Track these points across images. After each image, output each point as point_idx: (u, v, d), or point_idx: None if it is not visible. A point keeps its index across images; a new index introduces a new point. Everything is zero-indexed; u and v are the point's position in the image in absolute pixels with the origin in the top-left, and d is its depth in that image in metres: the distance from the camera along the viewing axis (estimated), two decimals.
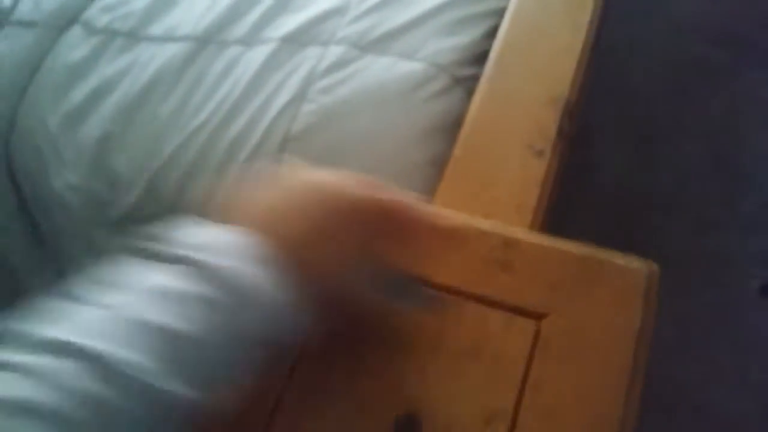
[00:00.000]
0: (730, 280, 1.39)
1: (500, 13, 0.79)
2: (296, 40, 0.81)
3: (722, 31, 1.70)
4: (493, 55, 0.74)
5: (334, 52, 0.78)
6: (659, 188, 1.50)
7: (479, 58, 0.77)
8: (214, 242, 0.36)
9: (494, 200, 0.61)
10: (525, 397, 0.38)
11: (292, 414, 0.40)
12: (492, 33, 0.78)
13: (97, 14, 0.91)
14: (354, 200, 0.37)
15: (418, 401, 0.39)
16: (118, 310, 0.31)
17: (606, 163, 1.53)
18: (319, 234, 0.37)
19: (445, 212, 0.54)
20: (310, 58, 0.79)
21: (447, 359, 0.40)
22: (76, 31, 0.90)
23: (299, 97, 0.76)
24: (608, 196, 1.50)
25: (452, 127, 0.72)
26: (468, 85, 0.77)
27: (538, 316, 0.41)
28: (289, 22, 0.83)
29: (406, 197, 0.40)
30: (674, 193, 1.49)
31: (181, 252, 0.35)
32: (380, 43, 0.78)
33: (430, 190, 0.66)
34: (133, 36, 0.88)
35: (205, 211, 0.76)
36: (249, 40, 0.83)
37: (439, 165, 0.69)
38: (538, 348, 0.39)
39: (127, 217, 0.82)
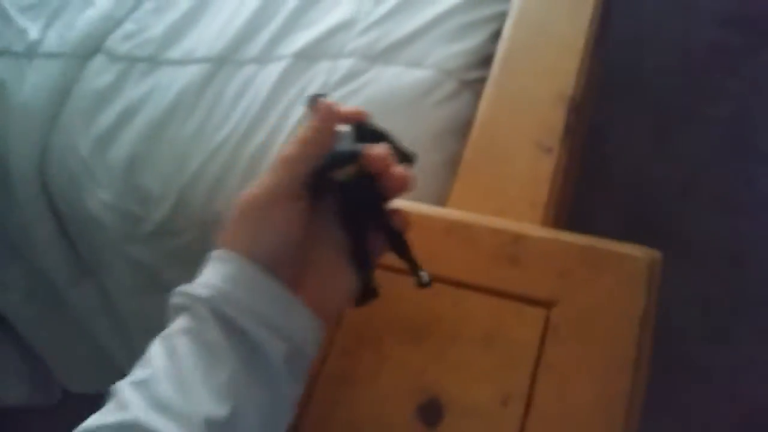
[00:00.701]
0: (754, 262, 1.39)
1: (503, 16, 0.81)
2: (308, 55, 0.84)
3: (735, 14, 1.70)
4: (498, 57, 0.76)
5: (345, 64, 0.82)
6: (678, 175, 1.51)
7: (485, 61, 0.80)
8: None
9: (507, 198, 0.63)
10: (538, 379, 0.40)
11: (322, 405, 0.43)
12: (496, 36, 0.80)
13: (118, 42, 0.95)
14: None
15: (439, 388, 0.42)
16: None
17: (623, 154, 1.54)
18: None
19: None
20: (321, 71, 0.82)
21: (464, 348, 0.43)
22: (99, 59, 0.95)
23: None
24: (628, 186, 1.51)
25: (463, 128, 0.75)
26: (476, 87, 0.79)
27: (548, 305, 0.44)
28: (300, 39, 0.86)
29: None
30: (693, 178, 1.50)
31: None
32: (388, 53, 0.81)
33: (445, 191, 0.69)
34: (154, 61, 0.92)
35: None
36: (263, 59, 0.87)
37: (452, 166, 0.71)
38: (548, 334, 0.42)
39: (158, 231, 0.86)
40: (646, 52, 1.68)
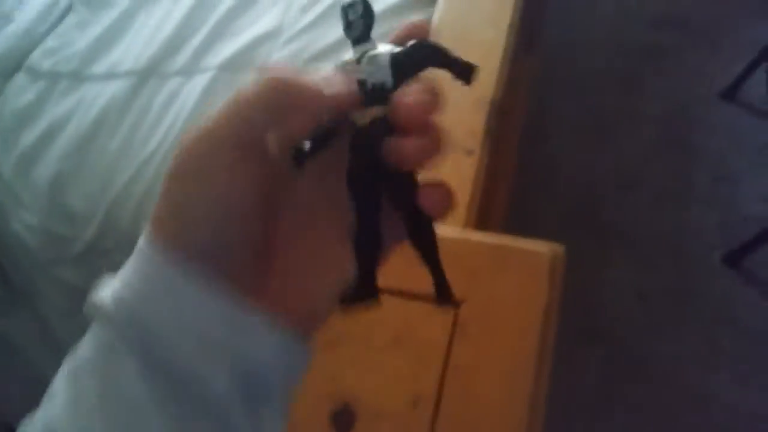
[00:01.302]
0: (692, 252, 1.43)
1: (428, 22, 0.82)
2: (233, 67, 0.84)
3: (664, 13, 1.76)
4: None
5: None
6: (617, 171, 1.55)
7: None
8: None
9: None
10: (446, 380, 0.41)
11: None
12: None
13: (40, 58, 0.93)
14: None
15: (352, 393, 0.42)
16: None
17: (565, 154, 1.58)
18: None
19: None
20: (247, 83, 0.82)
21: (376, 351, 0.43)
22: (20, 77, 0.93)
23: None
24: (570, 185, 1.54)
25: None
26: None
27: (456, 304, 0.44)
28: (225, 50, 0.86)
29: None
30: (630, 174, 1.54)
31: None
32: (313, 63, 0.82)
33: None
34: (77, 76, 0.90)
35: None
36: (188, 71, 0.86)
37: None
38: (456, 333, 0.43)
39: (87, 252, 0.84)
40: (582, 54, 1.73)
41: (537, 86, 1.39)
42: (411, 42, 0.26)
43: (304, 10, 0.87)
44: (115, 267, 0.75)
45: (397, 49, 0.26)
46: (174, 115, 0.83)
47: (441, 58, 0.27)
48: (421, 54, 0.27)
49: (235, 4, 0.90)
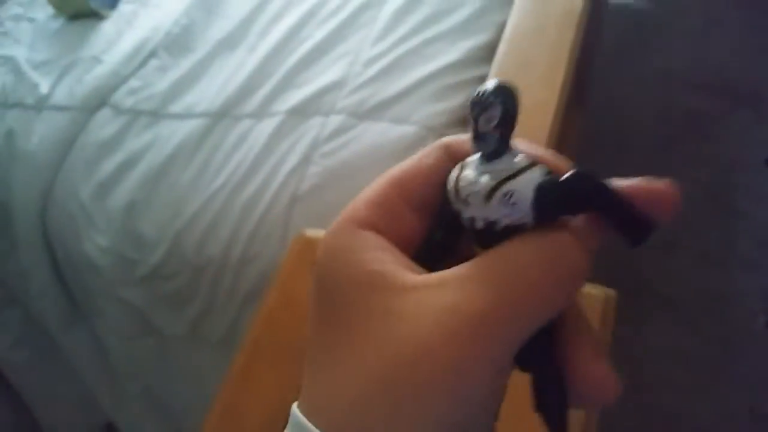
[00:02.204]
0: (735, 317, 1.42)
1: (483, 79, 0.87)
2: (301, 112, 0.91)
3: (709, 78, 1.79)
4: None
5: (335, 120, 0.88)
6: (659, 234, 1.55)
7: (466, 120, 0.86)
8: None
9: None
10: None
11: None
12: None
13: (123, 97, 1.02)
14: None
15: None
16: None
17: None
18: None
19: None
20: (313, 127, 0.88)
21: None
22: (105, 112, 1.01)
23: (305, 161, 0.85)
24: (609, 244, 1.56)
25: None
26: None
27: None
28: (294, 97, 0.93)
29: None
30: (674, 235, 1.55)
31: None
32: (375, 111, 0.87)
33: None
34: (156, 114, 0.98)
35: (221, 267, 0.84)
36: (259, 114, 0.93)
37: None
38: None
39: (151, 275, 0.90)
40: (627, 113, 1.76)
41: (582, 142, 1.42)
42: (569, 173, 0.20)
43: (368, 64, 0.94)
44: (175, 291, 0.80)
45: (546, 179, 0.19)
46: (243, 154, 0.89)
47: (611, 203, 0.20)
48: (583, 193, 0.19)
49: (305, 56, 0.98)
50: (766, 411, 1.30)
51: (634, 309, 1.42)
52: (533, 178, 0.19)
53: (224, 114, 0.95)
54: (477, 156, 0.20)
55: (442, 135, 0.85)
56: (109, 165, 0.96)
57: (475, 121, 0.20)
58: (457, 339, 0.18)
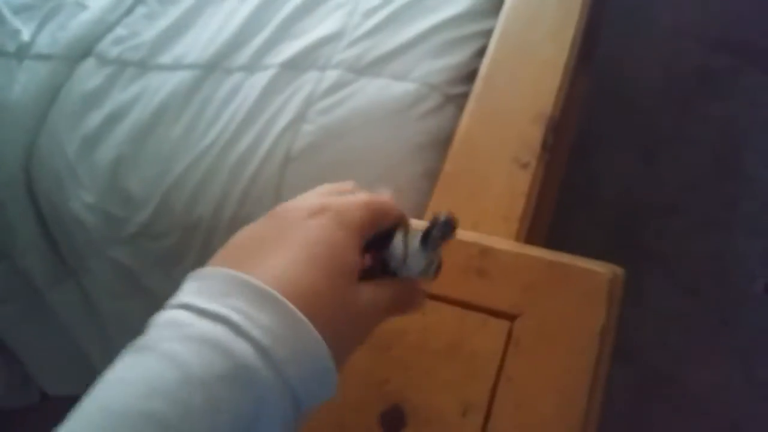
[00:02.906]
0: (735, 280, 1.41)
1: (488, 33, 0.83)
2: (295, 65, 0.86)
3: (719, 37, 1.73)
4: (481, 73, 0.78)
5: (331, 75, 0.83)
6: (662, 194, 1.53)
7: (470, 76, 0.82)
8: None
9: (482, 211, 0.65)
10: (498, 390, 0.41)
11: None
12: (481, 52, 0.82)
13: (109, 46, 0.96)
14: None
15: (402, 396, 0.43)
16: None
17: (609, 171, 1.56)
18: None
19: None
20: (308, 81, 0.83)
21: (428, 358, 0.44)
22: (90, 62, 0.96)
23: (299, 118, 0.81)
24: (612, 203, 1.53)
25: (445, 142, 0.77)
26: (459, 102, 0.81)
27: (511, 317, 0.44)
28: (289, 49, 0.88)
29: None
30: (677, 197, 1.52)
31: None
32: (374, 66, 0.83)
33: (424, 203, 0.70)
34: (143, 65, 0.93)
35: (211, 227, 0.81)
36: (251, 67, 0.88)
37: (432, 178, 0.72)
38: (510, 346, 0.43)
39: (140, 234, 0.87)
40: (634, 73, 1.71)
41: (588, 101, 1.38)
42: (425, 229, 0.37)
43: (367, 15, 0.88)
44: (164, 250, 0.77)
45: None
46: (234, 109, 0.85)
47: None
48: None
49: (299, 5, 0.92)
50: (763, 376, 1.30)
51: (633, 270, 1.41)
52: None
53: (215, 66, 0.90)
54: (419, 237, 0.37)
55: (444, 93, 0.81)
56: (94, 118, 0.91)
57: (430, 230, 0.37)
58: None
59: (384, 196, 0.37)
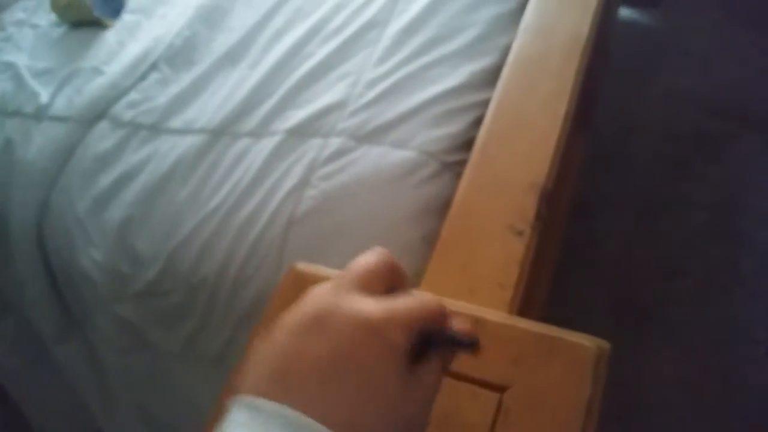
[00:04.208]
0: (736, 345, 1.41)
1: (486, 104, 0.86)
2: (301, 132, 0.90)
3: (716, 102, 1.78)
4: (478, 143, 0.81)
5: (335, 142, 0.87)
6: (662, 257, 1.54)
7: (467, 144, 0.85)
8: None
9: (478, 278, 0.66)
10: None
11: None
12: (478, 122, 0.85)
13: (123, 110, 1.01)
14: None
15: None
16: None
17: (608, 235, 1.58)
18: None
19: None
20: (312, 148, 0.87)
21: None
22: (104, 125, 1.00)
23: (303, 183, 0.84)
24: (612, 266, 1.54)
25: (442, 208, 0.79)
26: (456, 169, 0.84)
27: (500, 389, 0.46)
28: (295, 117, 0.92)
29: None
30: (677, 260, 1.53)
31: None
32: (376, 134, 0.86)
33: (422, 267, 0.72)
34: (155, 129, 0.97)
35: (216, 287, 0.83)
36: (258, 132, 0.92)
37: (431, 243, 0.75)
38: (499, 417, 0.44)
39: (146, 292, 0.89)
40: (632, 137, 1.75)
41: (587, 163, 1.41)
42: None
43: (370, 86, 0.93)
44: (170, 308, 0.79)
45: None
46: (241, 173, 0.88)
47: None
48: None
49: (306, 75, 0.96)
50: None
51: (635, 333, 1.41)
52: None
53: (223, 131, 0.94)
54: None
55: (442, 161, 0.84)
56: (106, 179, 0.95)
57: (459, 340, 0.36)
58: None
59: (435, 299, 0.34)
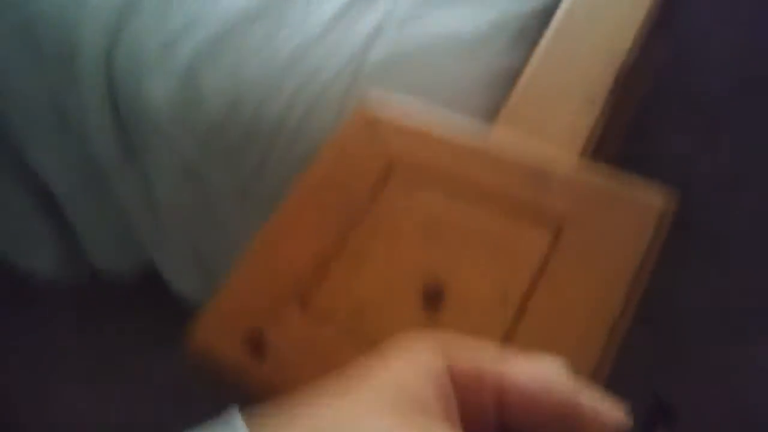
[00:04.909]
0: None
1: None
2: None
3: None
4: (559, 14, 0.78)
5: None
6: (719, 174, 1.50)
7: (549, 15, 0.82)
8: None
9: (543, 143, 0.66)
10: (537, 286, 0.44)
11: (336, 281, 0.47)
12: None
13: None
14: None
15: (444, 275, 0.46)
16: None
17: (669, 150, 1.53)
18: None
19: None
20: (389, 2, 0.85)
21: (474, 250, 0.47)
22: None
23: (374, 34, 0.83)
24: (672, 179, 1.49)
25: (515, 79, 0.77)
26: (534, 39, 0.81)
27: (560, 226, 0.47)
28: None
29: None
30: (733, 179, 1.48)
31: None
32: None
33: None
34: None
35: (275, 130, 0.84)
36: None
37: (496, 116, 0.74)
38: (555, 250, 0.45)
39: (208, 133, 0.91)
40: (705, 54, 1.65)
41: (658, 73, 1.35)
42: None
43: None
44: (229, 149, 0.81)
45: None
46: (312, 19, 0.87)
47: None
48: None
49: None
50: None
51: (677, 248, 1.38)
52: None
53: None
54: None
55: (521, 30, 0.82)
56: (178, 15, 0.94)
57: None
58: None
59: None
